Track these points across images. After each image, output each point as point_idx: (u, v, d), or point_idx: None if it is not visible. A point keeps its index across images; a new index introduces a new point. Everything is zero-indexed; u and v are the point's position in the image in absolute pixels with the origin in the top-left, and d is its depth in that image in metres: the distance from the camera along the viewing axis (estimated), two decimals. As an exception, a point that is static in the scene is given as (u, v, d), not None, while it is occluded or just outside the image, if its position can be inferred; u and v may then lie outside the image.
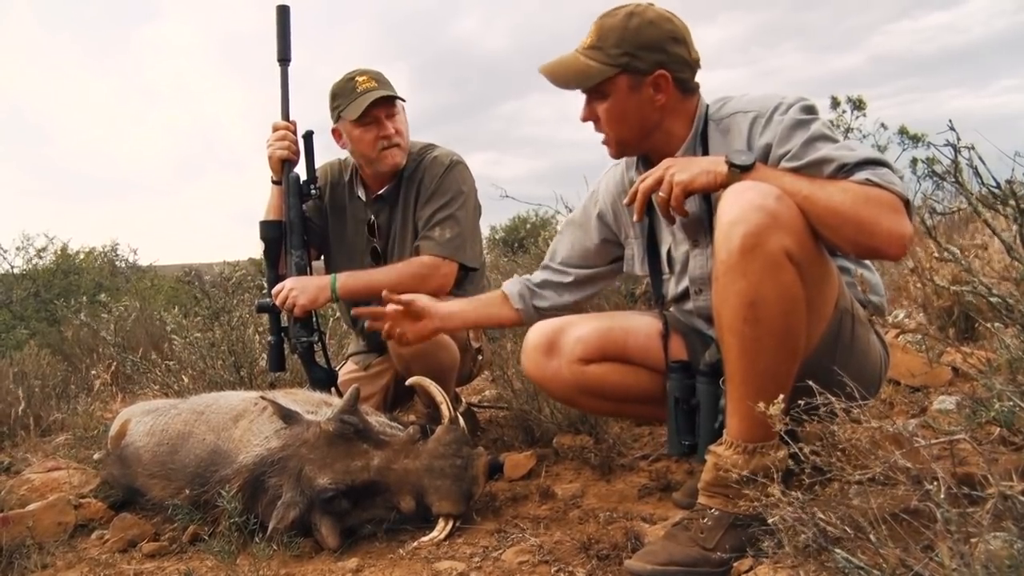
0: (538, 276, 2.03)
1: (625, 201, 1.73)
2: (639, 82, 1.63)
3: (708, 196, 1.61)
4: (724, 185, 1.45)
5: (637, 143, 1.72)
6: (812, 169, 1.44)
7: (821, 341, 1.53)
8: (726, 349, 1.43)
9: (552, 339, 1.82)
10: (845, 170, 1.41)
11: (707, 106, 1.69)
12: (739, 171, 1.46)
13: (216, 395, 2.35)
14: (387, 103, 2.38)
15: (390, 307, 2.01)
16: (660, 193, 1.53)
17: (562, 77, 1.68)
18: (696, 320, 1.80)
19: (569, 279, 1.98)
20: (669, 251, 1.78)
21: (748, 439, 1.41)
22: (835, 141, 1.48)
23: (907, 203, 1.38)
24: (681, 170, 1.52)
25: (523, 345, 1.89)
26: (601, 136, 1.74)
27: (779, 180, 1.42)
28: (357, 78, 2.38)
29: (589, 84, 1.66)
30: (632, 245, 1.90)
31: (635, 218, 1.66)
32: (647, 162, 1.78)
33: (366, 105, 2.32)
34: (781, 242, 1.34)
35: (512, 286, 2.03)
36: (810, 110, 1.54)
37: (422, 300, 2.03)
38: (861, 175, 1.39)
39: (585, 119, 1.73)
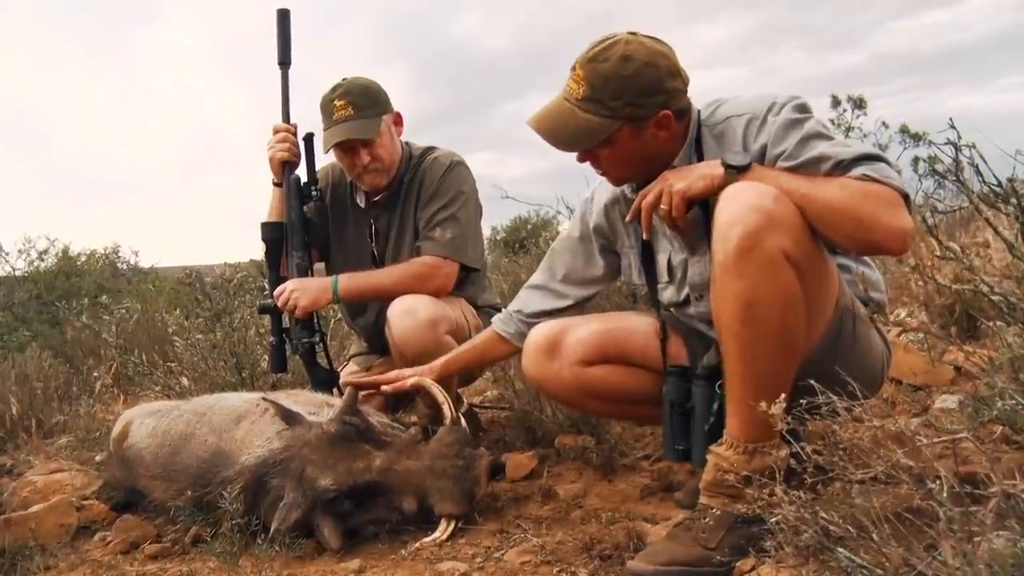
0: (531, 305, 2.00)
1: (628, 219, 1.73)
2: (642, 126, 1.57)
3: (705, 202, 1.60)
4: (722, 187, 1.45)
5: (639, 176, 1.69)
6: (809, 167, 1.44)
7: (822, 340, 1.53)
8: (725, 350, 1.43)
9: (553, 341, 1.82)
10: (842, 167, 1.41)
11: (698, 111, 1.67)
12: (736, 172, 1.46)
13: (218, 396, 2.35)
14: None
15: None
16: (662, 206, 1.54)
17: (564, 138, 1.59)
18: (697, 324, 1.80)
19: (568, 302, 1.97)
20: (669, 259, 1.78)
21: (748, 439, 1.41)
22: (830, 138, 1.48)
23: (906, 197, 1.38)
24: (678, 179, 1.52)
25: (524, 347, 1.89)
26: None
27: (776, 180, 1.42)
28: (336, 101, 2.33)
29: (590, 144, 1.58)
30: (629, 255, 1.89)
31: (644, 235, 1.66)
32: None
33: (332, 143, 2.34)
34: (778, 242, 1.34)
35: (507, 326, 2.03)
36: (803, 108, 1.53)
37: (413, 381, 2.10)
38: (858, 171, 1.39)
39: (582, 161, 1.67)
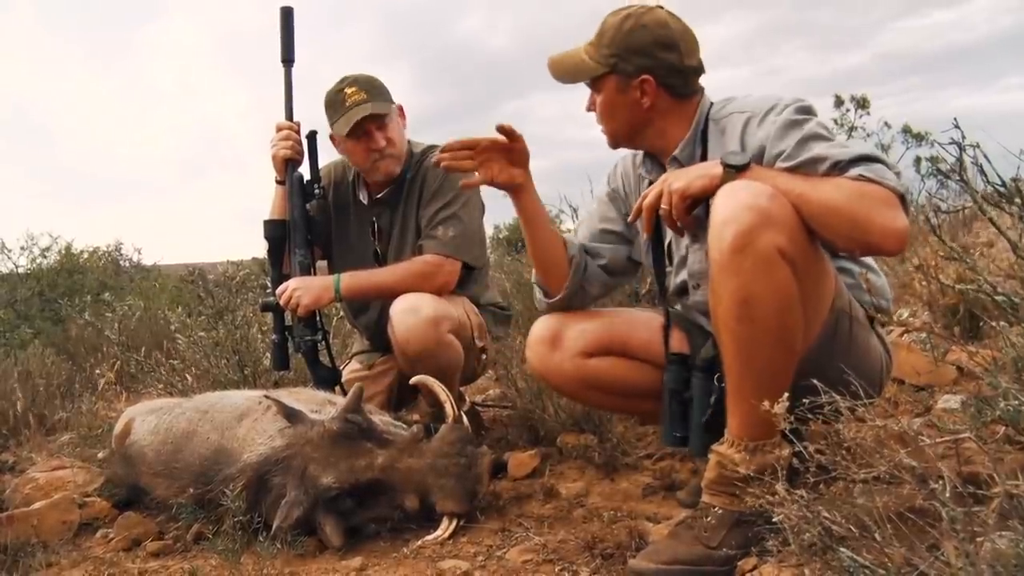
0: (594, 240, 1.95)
1: (630, 219, 1.75)
2: (626, 84, 1.66)
3: (708, 201, 1.60)
4: (721, 187, 1.46)
5: (628, 138, 1.76)
6: (806, 168, 1.44)
7: (817, 341, 1.52)
8: (722, 347, 1.43)
9: (556, 332, 1.83)
10: (839, 167, 1.41)
11: (710, 105, 1.70)
12: (734, 171, 1.46)
13: (220, 394, 2.35)
14: (376, 117, 2.36)
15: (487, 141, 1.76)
16: (663, 206, 1.54)
17: (557, 69, 1.74)
18: (696, 315, 1.80)
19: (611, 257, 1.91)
20: (670, 243, 1.79)
21: (750, 437, 1.41)
22: (829, 140, 1.48)
23: (902, 197, 1.38)
24: (677, 179, 1.54)
25: (527, 338, 1.90)
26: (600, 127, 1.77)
27: (773, 179, 1.43)
28: (346, 89, 2.35)
29: (577, 80, 1.72)
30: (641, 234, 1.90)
31: (644, 236, 1.66)
32: (653, 159, 1.79)
33: (353, 123, 2.33)
34: (773, 240, 1.34)
35: (572, 248, 1.88)
36: (806, 111, 1.54)
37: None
38: (855, 171, 1.39)
39: (588, 109, 1.78)
